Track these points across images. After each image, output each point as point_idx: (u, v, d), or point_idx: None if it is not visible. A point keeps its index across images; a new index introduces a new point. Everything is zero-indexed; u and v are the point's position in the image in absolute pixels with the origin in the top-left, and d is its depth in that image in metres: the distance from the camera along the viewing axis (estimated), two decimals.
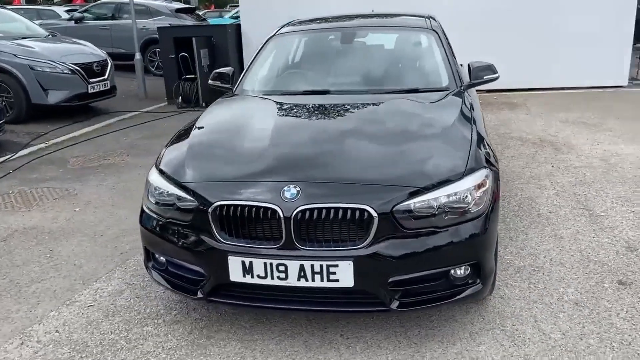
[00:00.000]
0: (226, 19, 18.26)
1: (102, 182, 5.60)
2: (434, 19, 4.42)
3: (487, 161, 2.81)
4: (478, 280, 2.66)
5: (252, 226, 2.56)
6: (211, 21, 16.46)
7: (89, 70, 8.53)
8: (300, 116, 3.40)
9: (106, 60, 9.06)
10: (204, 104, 9.62)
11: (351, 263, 2.45)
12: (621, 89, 9.96)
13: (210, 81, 4.24)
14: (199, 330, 2.96)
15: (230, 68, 4.24)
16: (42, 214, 4.75)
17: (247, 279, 2.56)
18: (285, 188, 2.53)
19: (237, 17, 17.88)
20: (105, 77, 8.89)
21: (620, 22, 9.73)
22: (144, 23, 12.55)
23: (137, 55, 10.61)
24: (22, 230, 4.40)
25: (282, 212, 2.48)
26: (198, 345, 2.82)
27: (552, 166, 5.54)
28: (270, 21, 10.32)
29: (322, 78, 3.94)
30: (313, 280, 2.49)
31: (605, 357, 2.60)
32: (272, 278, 2.53)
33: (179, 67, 9.88)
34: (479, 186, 2.63)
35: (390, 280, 2.51)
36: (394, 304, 2.53)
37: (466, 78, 3.90)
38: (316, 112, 3.42)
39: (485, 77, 3.82)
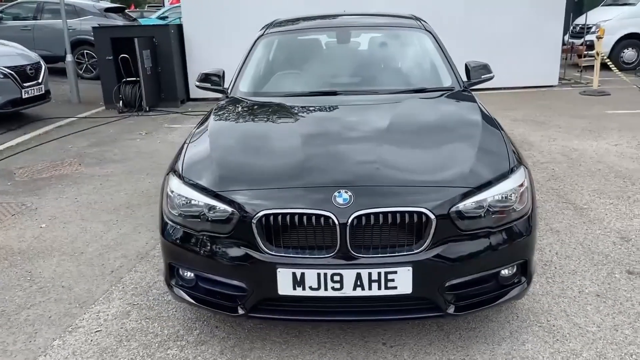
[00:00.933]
0: (153, 19, 17.53)
1: (62, 195, 5.14)
2: (424, 20, 4.42)
3: (521, 159, 2.82)
4: (523, 279, 2.66)
5: (302, 235, 2.40)
6: (142, 21, 15.75)
7: (23, 74, 7.88)
8: (323, 118, 3.25)
9: (39, 62, 8.40)
10: (147, 108, 9.18)
11: (410, 269, 2.36)
12: (552, 88, 10.56)
13: (197, 83, 3.99)
14: (230, 349, 2.75)
15: (219, 68, 4.01)
16: (4, 232, 4.28)
17: (298, 292, 2.40)
18: (336, 193, 2.39)
19: (164, 17, 17.29)
20: (40, 81, 8.25)
21: (551, 27, 10.30)
22: (70, 23, 11.75)
23: (69, 57, 9.97)
24: None
25: (337, 218, 2.34)
26: None
27: None
28: (214, 22, 10.11)
29: (326, 79, 3.82)
30: (370, 288, 2.38)
31: None
32: (326, 289, 2.38)
33: (117, 70, 9.33)
34: (521, 185, 2.63)
35: (446, 284, 2.44)
36: (450, 309, 2.47)
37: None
38: (338, 114, 3.29)
39: (482, 77, 3.86)
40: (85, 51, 12.18)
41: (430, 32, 4.11)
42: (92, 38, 10.98)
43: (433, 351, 2.69)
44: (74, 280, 3.50)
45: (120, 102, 9.23)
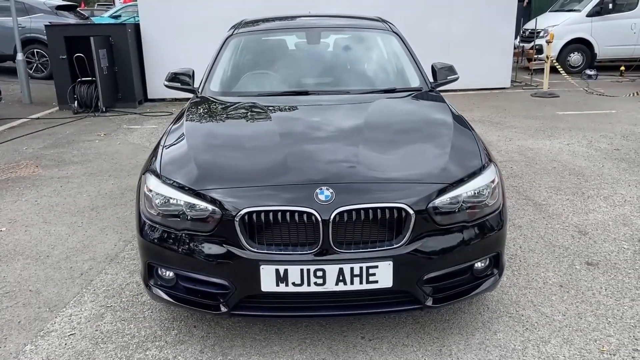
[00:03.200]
0: (106, 18, 17.11)
1: (21, 198, 4.98)
2: (391, 22, 4.52)
3: (491, 157, 2.93)
4: (495, 271, 2.77)
5: (285, 232, 2.43)
6: (95, 20, 15.35)
7: None
8: (299, 117, 3.28)
9: None
10: (104, 109, 8.97)
11: (391, 263, 2.43)
12: (505, 90, 10.94)
13: (165, 82, 3.95)
14: (211, 348, 2.75)
15: (189, 68, 3.99)
16: None
17: (281, 288, 2.43)
18: (318, 190, 2.44)
19: (117, 16, 16.91)
20: None
21: (503, 31, 10.66)
22: (20, 21, 11.34)
23: (20, 56, 9.65)
24: None
25: (319, 215, 2.39)
26: None
27: None
28: (173, 21, 9.96)
29: (298, 79, 3.85)
30: (352, 283, 2.43)
31: (607, 332, 2.84)
32: (309, 285, 2.42)
33: (72, 69, 9.07)
34: (493, 181, 2.73)
35: (425, 277, 2.52)
36: (429, 301, 2.55)
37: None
38: (313, 113, 3.33)
39: (448, 78, 3.99)
40: (35, 50, 11.80)
41: (397, 34, 4.22)
42: (43, 36, 10.69)
43: (410, 343, 2.77)
44: (41, 284, 3.41)
45: (76, 102, 8.98)
